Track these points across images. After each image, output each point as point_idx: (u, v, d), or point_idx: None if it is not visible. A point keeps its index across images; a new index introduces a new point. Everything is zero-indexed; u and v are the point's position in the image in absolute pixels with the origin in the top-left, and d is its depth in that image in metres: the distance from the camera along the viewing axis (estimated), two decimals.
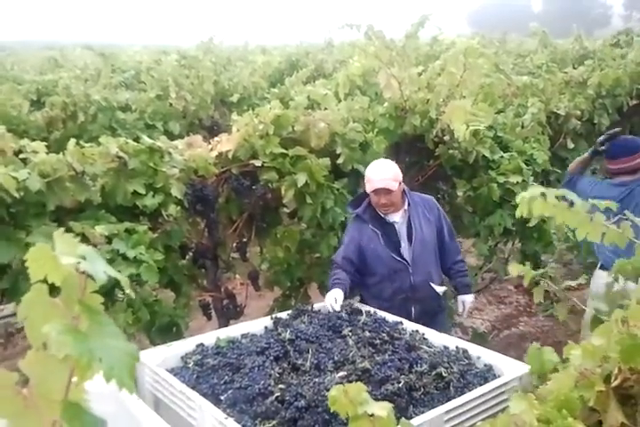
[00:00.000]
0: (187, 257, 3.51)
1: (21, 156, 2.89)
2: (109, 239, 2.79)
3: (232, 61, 10.57)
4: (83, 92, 5.95)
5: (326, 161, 3.63)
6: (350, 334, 2.64)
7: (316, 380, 2.23)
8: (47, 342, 0.58)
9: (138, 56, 12.05)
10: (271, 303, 4.01)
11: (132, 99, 6.55)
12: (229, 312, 3.66)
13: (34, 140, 3.04)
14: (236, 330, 2.83)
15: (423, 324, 3.09)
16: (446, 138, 4.11)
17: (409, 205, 3.32)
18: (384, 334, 2.63)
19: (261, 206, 3.66)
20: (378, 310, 2.97)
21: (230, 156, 3.49)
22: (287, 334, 2.57)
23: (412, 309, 3.28)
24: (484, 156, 4.16)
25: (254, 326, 2.87)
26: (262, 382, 2.21)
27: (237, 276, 3.92)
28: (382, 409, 1.28)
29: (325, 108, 4.32)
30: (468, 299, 3.51)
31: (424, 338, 2.69)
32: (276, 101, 3.84)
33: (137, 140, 3.24)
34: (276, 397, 2.13)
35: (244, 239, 3.79)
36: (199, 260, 3.53)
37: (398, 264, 3.26)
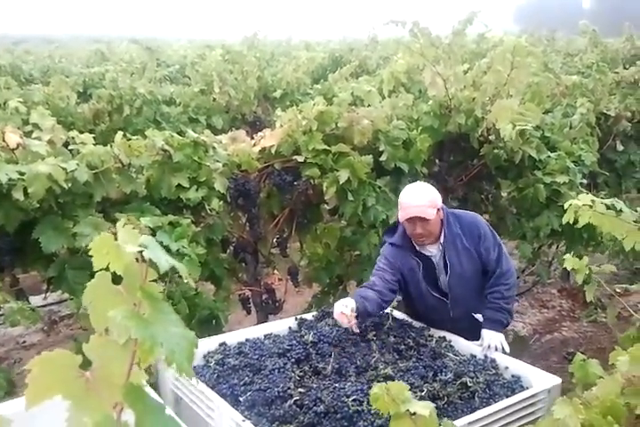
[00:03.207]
0: (228, 251, 3.54)
1: (70, 147, 2.95)
2: (153, 231, 2.82)
3: (275, 57, 10.63)
4: (129, 86, 6.05)
5: (369, 158, 3.62)
6: (375, 338, 2.57)
7: (337, 385, 2.18)
8: (109, 328, 0.59)
9: (183, 50, 12.21)
10: (310, 300, 4.02)
11: (177, 93, 6.63)
12: (268, 307, 3.68)
13: (81, 132, 3.10)
14: (259, 330, 2.79)
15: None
16: (491, 137, 4.05)
17: (445, 237, 2.92)
18: (409, 340, 2.56)
19: (302, 202, 3.66)
20: (405, 315, 2.86)
21: (273, 151, 3.51)
22: (310, 337, 2.52)
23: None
24: (530, 156, 4.08)
25: (278, 326, 2.82)
26: (282, 384, 2.18)
27: (277, 271, 3.93)
28: (424, 408, 1.27)
29: (369, 105, 4.30)
30: (491, 336, 2.77)
31: (450, 346, 2.60)
32: (319, 97, 3.84)
33: (181, 133, 3.28)
34: (295, 401, 2.10)
35: (285, 235, 3.80)
36: (240, 254, 3.56)
37: (436, 300, 2.96)
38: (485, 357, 2.46)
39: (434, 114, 4.12)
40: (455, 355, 2.50)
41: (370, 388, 2.07)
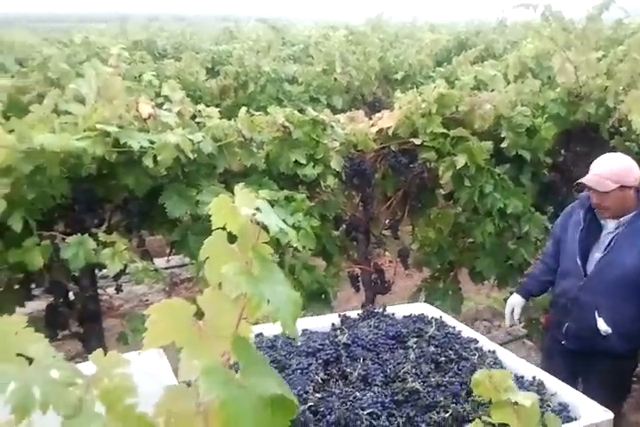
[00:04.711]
0: (340, 228, 3.59)
1: (197, 120, 3.09)
2: (271, 205, 2.91)
3: (399, 38, 10.50)
4: (254, 63, 6.23)
5: (488, 144, 3.53)
6: (414, 346, 2.31)
7: (357, 394, 1.98)
8: (222, 283, 0.63)
9: (307, 30, 12.35)
10: (419, 284, 4.00)
11: (299, 72, 6.74)
12: (377, 287, 3.70)
13: (207, 105, 3.24)
14: (299, 324, 2.51)
15: (573, 358, 2.85)
16: (623, 129, 3.82)
17: (630, 221, 2.70)
18: (451, 352, 2.27)
19: (417, 185, 3.64)
20: (457, 323, 2.55)
21: (390, 132, 3.50)
22: (344, 338, 2.30)
23: (565, 326, 2.86)
24: None
25: (321, 321, 2.60)
26: (300, 387, 1.99)
27: (387, 253, 3.94)
28: (527, 398, 1.24)
29: (492, 90, 4.19)
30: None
31: (496, 362, 2.28)
32: (441, 80, 3.78)
33: (302, 111, 3.35)
34: (310, 406, 1.91)
35: (397, 217, 3.79)
36: (352, 232, 3.59)
37: (575, 268, 2.80)
38: (533, 378, 2.17)
39: (561, 101, 3.95)
40: None
41: (392, 401, 1.90)
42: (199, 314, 0.64)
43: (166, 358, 1.92)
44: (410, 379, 2.04)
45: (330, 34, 9.00)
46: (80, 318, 3.02)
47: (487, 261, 3.67)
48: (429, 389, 2.00)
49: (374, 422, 1.83)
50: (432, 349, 2.27)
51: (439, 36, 9.51)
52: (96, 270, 2.98)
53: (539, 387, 2.14)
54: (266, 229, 0.68)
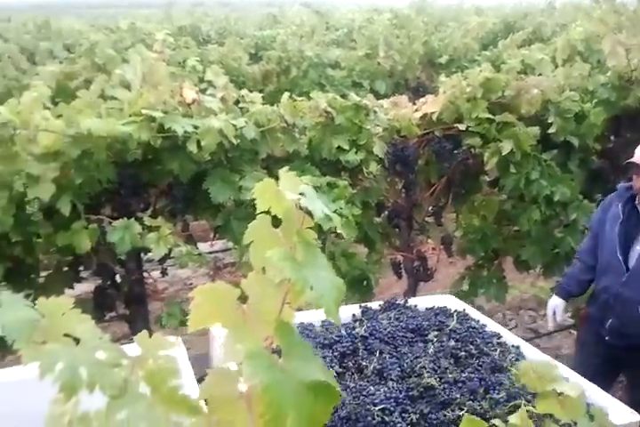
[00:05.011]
0: (382, 215, 3.57)
1: (240, 105, 3.10)
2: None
3: (444, 22, 10.34)
4: (297, 48, 6.21)
5: (535, 130, 3.45)
6: (435, 340, 2.23)
7: (372, 388, 1.93)
8: (266, 267, 0.63)
9: (351, 14, 12.23)
10: (462, 271, 3.96)
11: (342, 56, 6.69)
12: (420, 274, 3.68)
13: (250, 91, 3.24)
14: (317, 315, 2.39)
15: (617, 354, 2.77)
16: None
17: None
18: (472, 347, 2.17)
19: (461, 172, 3.59)
20: (482, 316, 2.46)
21: (434, 118, 3.45)
22: (362, 330, 2.24)
23: (608, 322, 2.78)
24: None
25: (342, 312, 2.46)
26: None
27: (429, 240, 3.90)
28: (573, 389, 1.22)
29: (540, 74, 4.09)
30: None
31: (518, 358, 2.16)
32: (486, 64, 3.71)
33: (344, 96, 3.32)
34: None
35: (441, 204, 3.76)
36: (394, 219, 3.57)
37: (615, 262, 2.72)
38: None
39: (612, 86, 3.83)
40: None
41: (406, 397, 1.84)
42: (242, 298, 0.64)
43: (183, 344, 1.93)
44: (426, 374, 1.97)
45: (374, 18, 8.91)
46: (126, 301, 3.09)
47: (533, 249, 3.60)
48: (446, 385, 1.93)
49: (386, 418, 1.78)
50: (452, 343, 2.19)
51: (485, 19, 9.33)
52: (142, 254, 3.03)
53: None
54: (310, 214, 0.67)
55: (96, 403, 0.63)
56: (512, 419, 1.16)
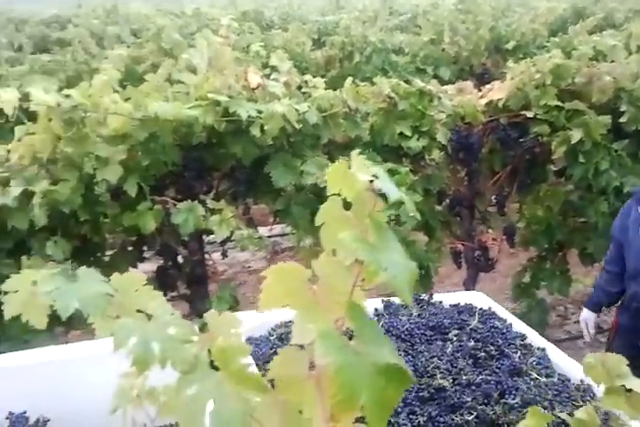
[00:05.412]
0: (443, 203, 3.53)
1: (303, 90, 3.10)
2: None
3: (512, 7, 10.07)
4: (361, 34, 6.16)
5: (606, 119, 3.32)
6: (455, 339, 2.11)
7: None
8: (337, 249, 0.62)
9: None
10: (524, 263, 3.87)
11: (406, 42, 6.60)
12: (480, 264, 3.62)
13: (313, 76, 3.24)
14: None
15: None
16: None
17: None
18: (492, 348, 2.04)
19: (527, 161, 3.50)
20: (509, 315, 2.29)
21: (500, 104, 3.37)
22: (380, 326, 2.11)
23: None
24: None
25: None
26: None
27: (491, 230, 3.83)
28: None
29: (612, 61, 3.93)
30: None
31: (540, 362, 2.01)
32: (556, 50, 3.60)
33: (408, 82, 3.28)
34: None
35: (504, 193, 3.67)
36: (455, 208, 3.52)
37: None
38: (581, 382, 1.88)
39: None
40: (540, 375, 1.92)
41: (416, 398, 1.74)
42: (312, 280, 0.64)
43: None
44: (439, 375, 1.86)
45: (439, 2, 8.76)
46: (188, 281, 3.15)
47: (600, 242, 3.48)
48: (458, 387, 1.83)
49: (392, 420, 1.69)
50: (472, 343, 2.06)
51: (555, 4, 9.03)
52: (203, 236, 3.08)
53: (584, 392, 1.86)
54: (382, 196, 0.66)
55: (158, 378, 0.63)
56: (578, 414, 1.13)
